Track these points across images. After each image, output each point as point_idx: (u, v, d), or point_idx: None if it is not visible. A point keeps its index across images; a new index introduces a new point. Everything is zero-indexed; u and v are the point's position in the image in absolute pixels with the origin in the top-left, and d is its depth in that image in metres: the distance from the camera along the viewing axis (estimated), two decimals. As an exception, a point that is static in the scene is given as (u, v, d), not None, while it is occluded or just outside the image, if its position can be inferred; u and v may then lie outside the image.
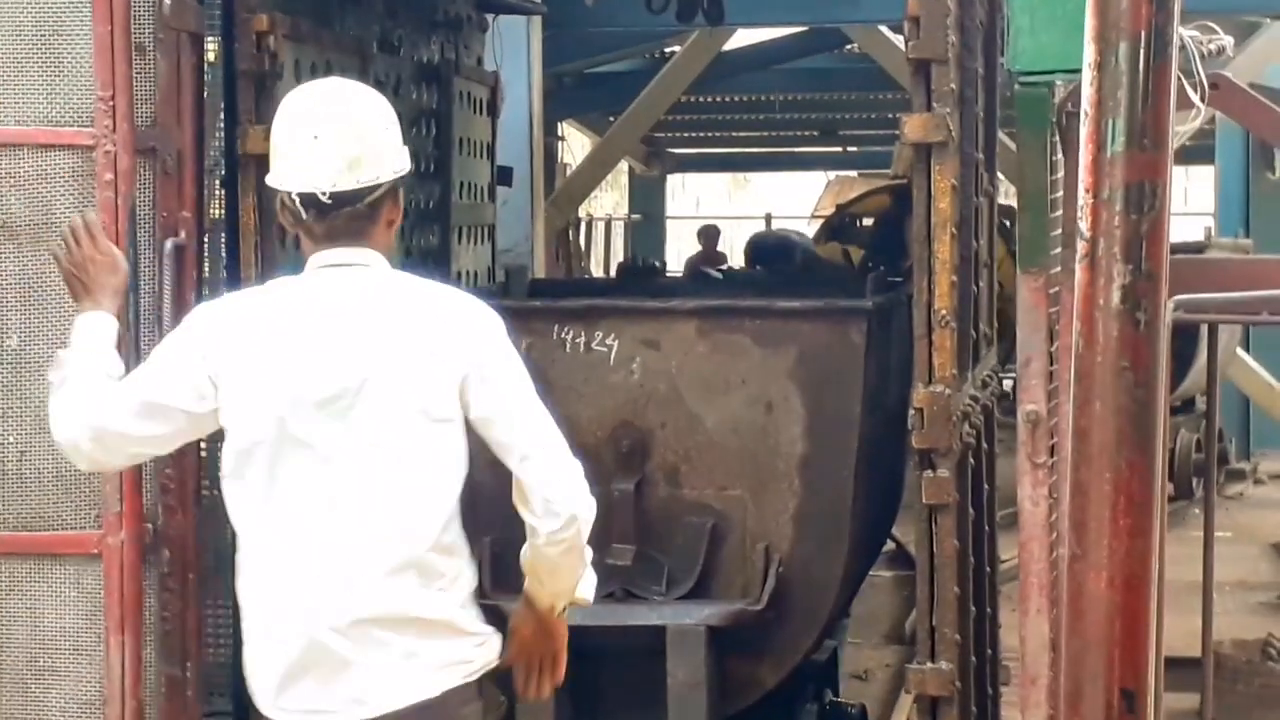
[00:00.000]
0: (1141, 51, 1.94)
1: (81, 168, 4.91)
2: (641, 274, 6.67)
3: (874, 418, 5.78)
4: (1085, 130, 1.93)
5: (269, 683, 4.04)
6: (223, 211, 5.77)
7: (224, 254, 5.55)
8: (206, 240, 5.34)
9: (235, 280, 5.25)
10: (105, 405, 4.12)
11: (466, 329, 4.06)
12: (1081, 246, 1.96)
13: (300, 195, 4.03)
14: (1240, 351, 14.87)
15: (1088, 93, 1.95)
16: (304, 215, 4.04)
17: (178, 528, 5.00)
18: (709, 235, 19.84)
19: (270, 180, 4.15)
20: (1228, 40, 4.81)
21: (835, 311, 5.67)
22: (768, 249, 15.50)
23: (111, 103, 4.86)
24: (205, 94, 5.26)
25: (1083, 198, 1.96)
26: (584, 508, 4.04)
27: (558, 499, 3.99)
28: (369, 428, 3.99)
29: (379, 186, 4.05)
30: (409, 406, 4.00)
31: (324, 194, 4.00)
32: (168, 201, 4.98)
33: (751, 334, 5.67)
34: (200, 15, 5.05)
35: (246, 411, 4.01)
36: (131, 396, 4.11)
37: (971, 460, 5.78)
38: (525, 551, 4.08)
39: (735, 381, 5.69)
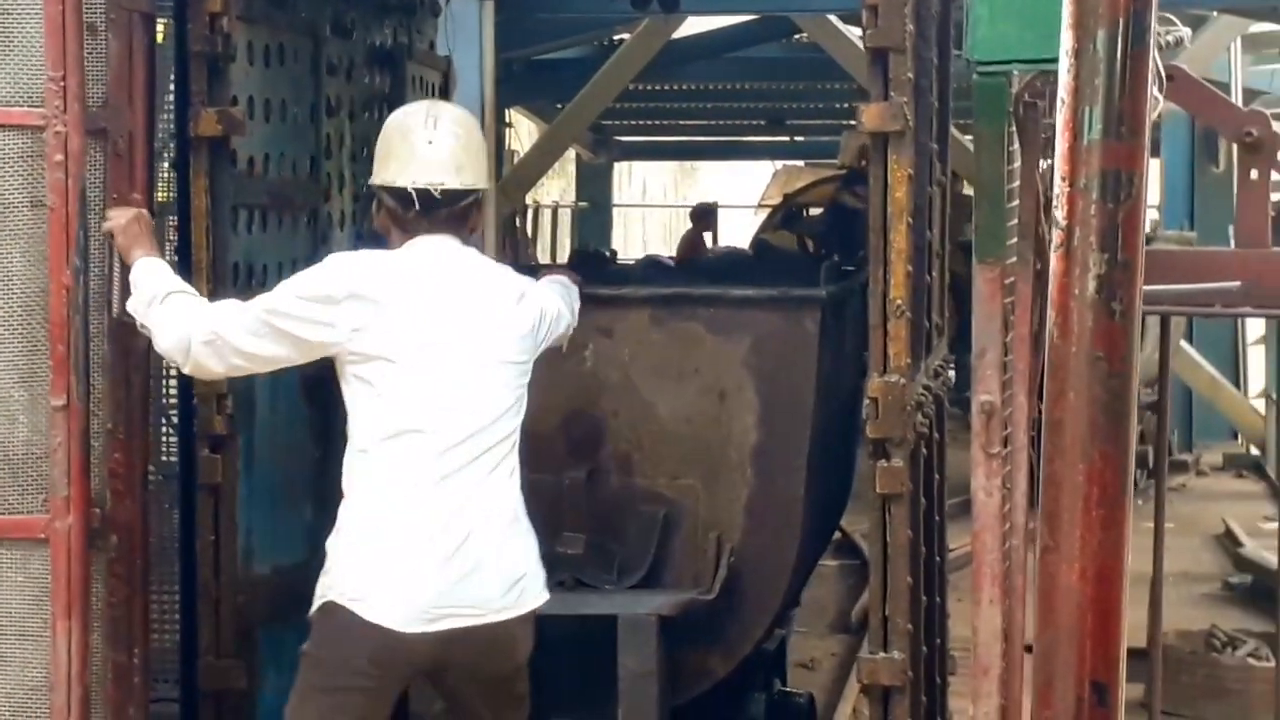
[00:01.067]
0: (1119, 39, 1.93)
1: (31, 148, 4.85)
2: (594, 261, 6.62)
3: (827, 407, 5.75)
4: (1062, 118, 1.92)
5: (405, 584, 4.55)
6: (170, 194, 5.71)
7: (174, 237, 5.48)
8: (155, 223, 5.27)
9: (186, 264, 5.20)
10: (223, 315, 4.69)
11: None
12: (1057, 235, 1.94)
13: (416, 190, 4.72)
14: (1184, 344, 14.95)
15: (1065, 80, 1.94)
16: (413, 209, 4.74)
17: (125, 513, 4.95)
18: (705, 214, 19.65)
19: (381, 179, 4.81)
20: (1185, 32, 4.82)
21: (789, 300, 5.63)
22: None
23: (62, 83, 4.80)
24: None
25: (1059, 186, 1.94)
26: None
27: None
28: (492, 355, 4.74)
29: (475, 192, 4.82)
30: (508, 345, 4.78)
31: (437, 190, 4.73)
32: (119, 183, 4.92)
33: (705, 322, 5.64)
34: (152, -5, 4.99)
35: (394, 341, 4.62)
36: (255, 314, 4.66)
37: (924, 450, 5.78)
38: None
39: (688, 370, 5.65)
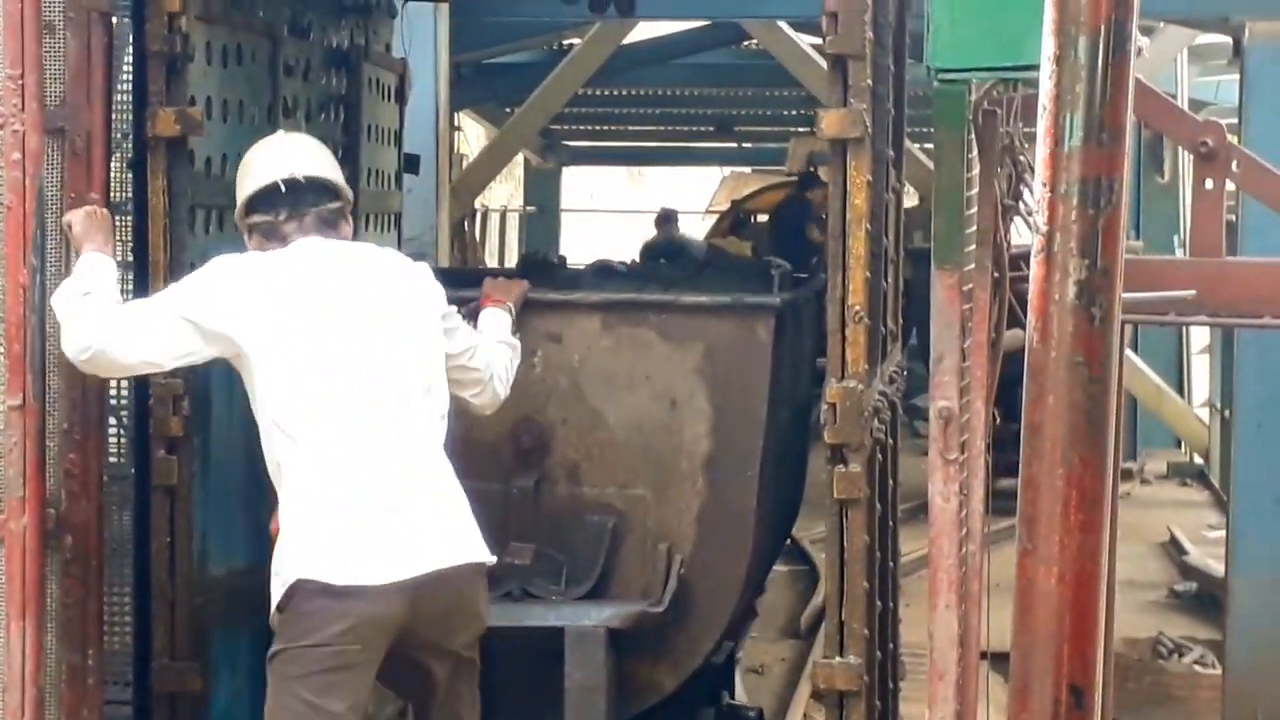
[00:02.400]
0: (1101, 46, 1.94)
1: (-12, 147, 4.83)
2: (543, 266, 6.56)
3: (780, 415, 5.70)
4: (1043, 124, 1.93)
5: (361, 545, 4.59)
6: (126, 194, 5.68)
7: (130, 236, 5.45)
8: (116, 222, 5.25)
9: (143, 263, 5.18)
10: (127, 314, 4.73)
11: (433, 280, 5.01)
12: (1038, 241, 1.95)
13: (284, 181, 4.82)
14: (1129, 352, 15.02)
15: (1046, 87, 1.95)
16: (284, 208, 4.83)
17: (81, 513, 4.93)
18: (666, 219, 19.58)
19: (246, 193, 4.89)
20: (1144, 41, 4.84)
21: (743, 307, 5.56)
22: (660, 252, 15.38)
23: (20, 81, 4.78)
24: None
25: (1040, 192, 1.95)
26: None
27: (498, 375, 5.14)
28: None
29: (339, 195, 4.92)
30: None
31: (301, 176, 4.82)
32: (76, 182, 4.91)
33: (657, 329, 5.56)
34: (111, -6, 4.97)
35: (283, 327, 4.68)
36: (158, 309, 4.74)
37: (879, 455, 5.79)
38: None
39: (639, 377, 5.57)
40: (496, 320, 5.28)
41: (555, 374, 5.62)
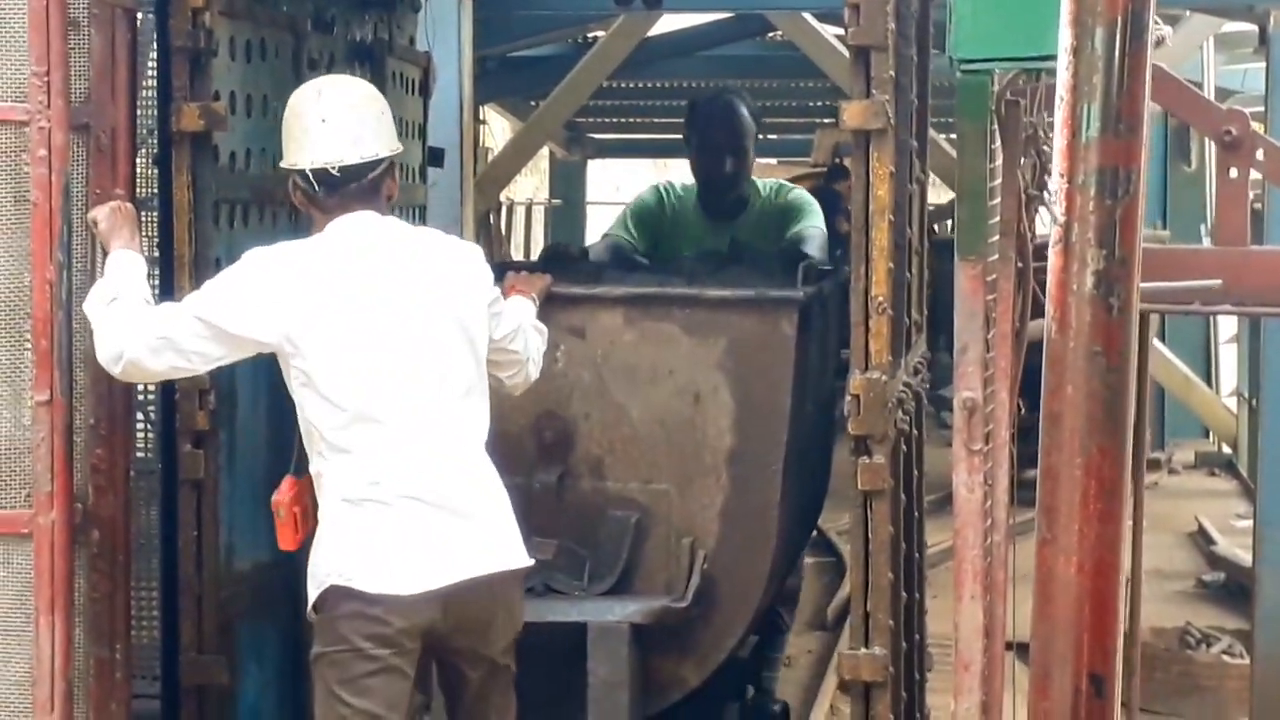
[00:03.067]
0: (1118, 37, 1.94)
1: (15, 143, 4.85)
2: (565, 258, 6.54)
3: (804, 408, 5.68)
4: (1061, 115, 1.93)
5: (396, 552, 4.61)
6: (152, 189, 5.70)
7: (156, 232, 5.48)
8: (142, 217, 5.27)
9: (168, 258, 5.20)
10: (159, 317, 4.70)
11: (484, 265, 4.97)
12: (1056, 232, 1.95)
13: (313, 172, 4.77)
14: (1156, 342, 14.99)
15: (1064, 78, 1.95)
16: (316, 191, 4.79)
17: (108, 508, 4.95)
18: None
19: (284, 163, 4.87)
20: (1167, 30, 4.81)
21: (766, 301, 5.54)
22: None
23: (46, 78, 4.80)
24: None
25: (1058, 182, 1.96)
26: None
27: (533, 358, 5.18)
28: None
29: (380, 162, 4.83)
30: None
31: (334, 168, 4.76)
32: (101, 178, 4.93)
33: (680, 323, 5.55)
34: (134, -10, 4.99)
35: (325, 326, 4.65)
36: (190, 314, 4.69)
37: (904, 446, 5.79)
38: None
39: (662, 372, 5.56)
40: (523, 307, 5.28)
41: (578, 368, 5.61)
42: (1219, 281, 4.91)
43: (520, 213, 22.79)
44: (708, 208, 7.14)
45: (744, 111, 7.23)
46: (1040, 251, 5.58)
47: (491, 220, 18.59)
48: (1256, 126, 5.53)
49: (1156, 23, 4.93)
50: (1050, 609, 1.98)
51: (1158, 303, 5.30)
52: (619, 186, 30.65)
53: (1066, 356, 1.98)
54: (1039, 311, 5.66)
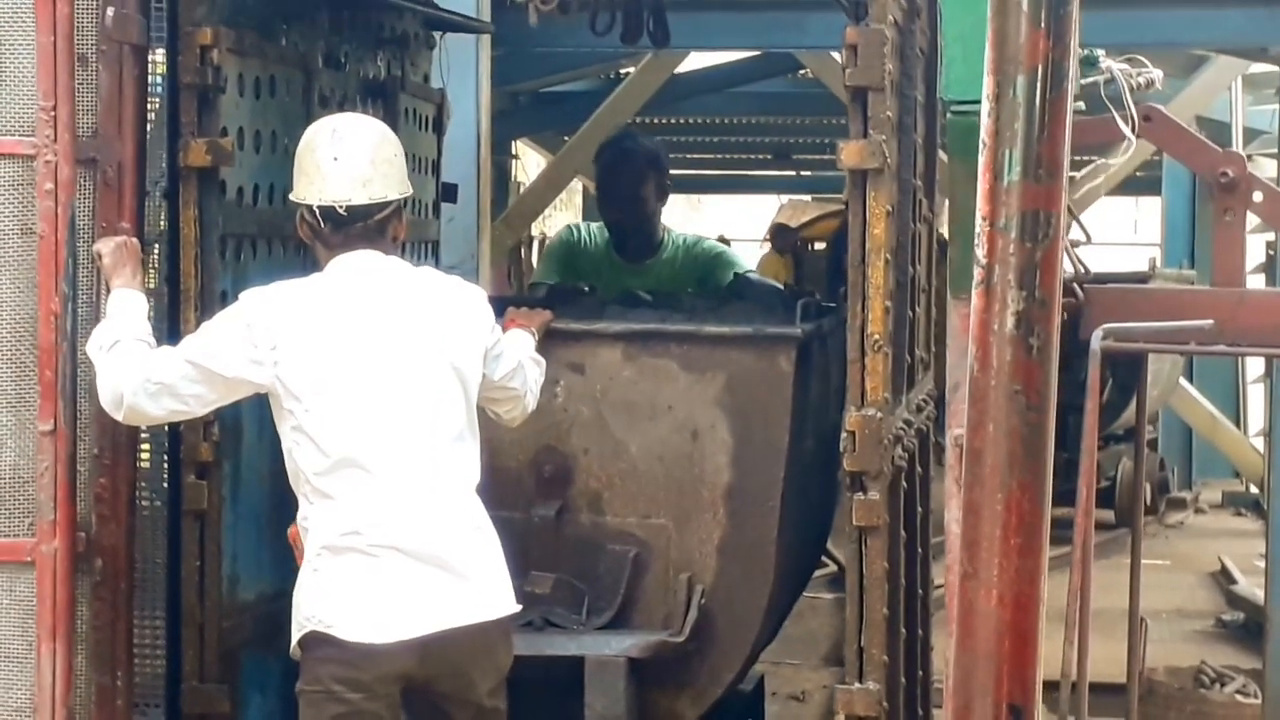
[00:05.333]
0: (1038, 84, 1.99)
1: (22, 177, 4.95)
2: (568, 295, 6.59)
3: (802, 445, 5.71)
4: (983, 160, 1.98)
5: (375, 601, 4.64)
6: (163, 224, 5.78)
7: (166, 265, 5.55)
8: (155, 251, 5.34)
9: (175, 292, 5.27)
10: (155, 362, 4.75)
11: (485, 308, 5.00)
12: (978, 273, 2.00)
13: (320, 209, 4.82)
14: (1183, 381, 15.00)
15: (985, 123, 2.01)
16: (322, 227, 4.84)
17: (110, 537, 5.02)
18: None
19: (294, 196, 4.92)
20: (1157, 74, 4.87)
21: (764, 338, 5.57)
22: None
23: (53, 113, 4.89)
24: (149, 106, 5.27)
25: (980, 225, 2.01)
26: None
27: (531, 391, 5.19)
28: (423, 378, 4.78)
29: (387, 205, 4.87)
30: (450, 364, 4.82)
31: (341, 208, 4.79)
32: (107, 212, 5.01)
33: (679, 359, 5.58)
34: (143, 28, 5.06)
35: (316, 370, 4.69)
36: (183, 358, 4.74)
37: (904, 484, 5.83)
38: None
39: (661, 407, 5.59)
40: (523, 340, 5.32)
41: (578, 403, 5.64)
42: (1211, 322, 4.94)
43: (552, 247, 22.85)
44: (618, 249, 7.26)
45: (641, 157, 7.25)
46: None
47: (523, 254, 18.68)
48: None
49: (1145, 65, 5.00)
50: (970, 641, 2.03)
51: (1154, 342, 5.34)
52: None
53: (988, 395, 2.03)
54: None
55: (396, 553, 4.68)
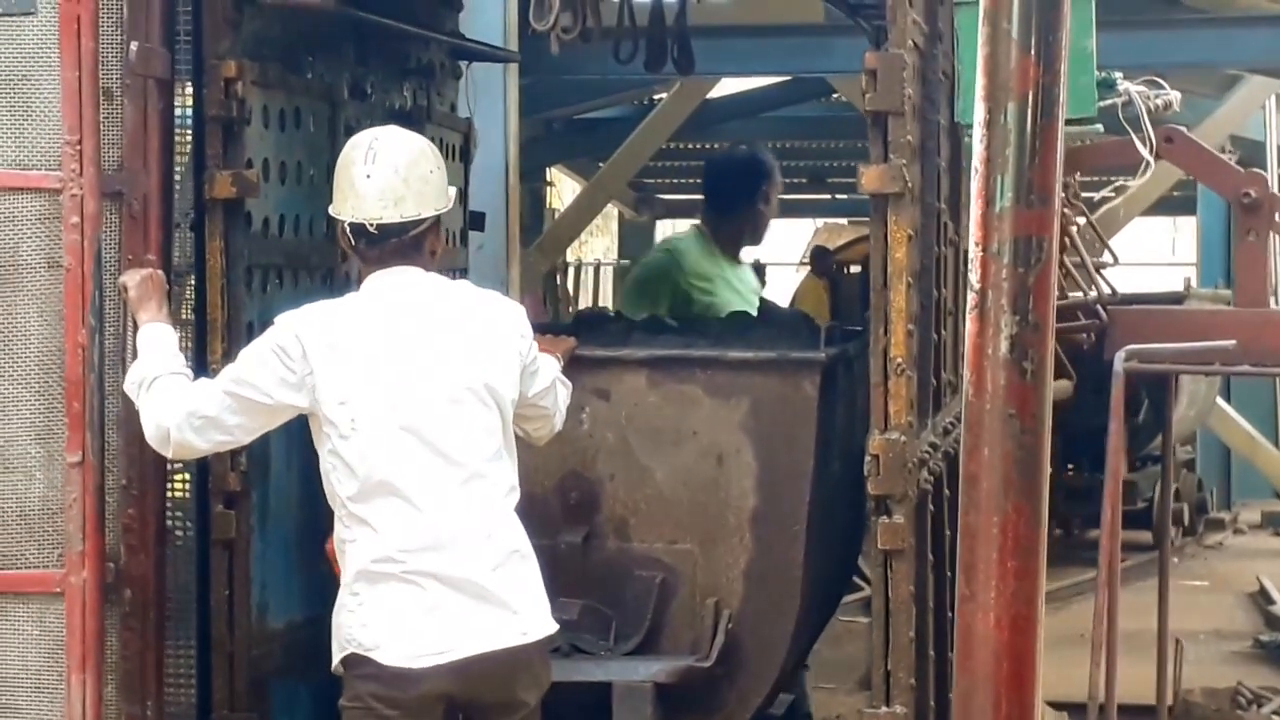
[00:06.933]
0: (1029, 111, 2.01)
1: (49, 210, 5.00)
2: (595, 321, 6.61)
3: (828, 469, 5.71)
4: (975, 185, 2.00)
5: (413, 626, 4.66)
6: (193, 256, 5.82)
7: (193, 296, 5.59)
8: (183, 283, 5.39)
9: (201, 324, 5.31)
10: (196, 396, 4.79)
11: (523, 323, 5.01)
12: (971, 298, 2.02)
13: (352, 225, 4.85)
14: (1220, 401, 14.94)
15: (978, 150, 2.02)
16: (354, 242, 4.88)
17: (139, 567, 5.06)
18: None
19: (330, 210, 4.95)
20: (1174, 95, 4.88)
21: (788, 363, 5.58)
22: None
23: (79, 147, 4.94)
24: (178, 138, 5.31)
25: (973, 250, 2.03)
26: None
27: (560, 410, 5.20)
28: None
29: (421, 222, 4.88)
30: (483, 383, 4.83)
31: (372, 225, 4.81)
32: (133, 245, 5.05)
33: (703, 384, 5.59)
34: (168, 62, 5.11)
35: (351, 393, 4.71)
36: (222, 389, 4.77)
37: (931, 506, 5.83)
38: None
39: (686, 433, 5.60)
40: (551, 364, 5.32)
41: (603, 429, 5.65)
42: (1234, 342, 4.94)
43: (589, 272, 22.94)
44: (726, 249, 7.59)
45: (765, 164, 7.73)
46: (1059, 312, 5.65)
47: (559, 280, 18.73)
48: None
49: (1162, 87, 5.01)
50: (970, 663, 2.04)
51: (1179, 363, 5.34)
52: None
53: (983, 419, 2.04)
54: (1061, 372, 5.71)
55: (433, 579, 4.70)
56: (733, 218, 7.53)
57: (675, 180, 22.42)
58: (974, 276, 2.03)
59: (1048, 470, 2.06)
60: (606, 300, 23.01)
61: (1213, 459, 16.14)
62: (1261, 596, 12.31)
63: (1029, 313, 2.01)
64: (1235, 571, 13.38)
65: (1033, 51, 1.98)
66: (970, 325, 2.05)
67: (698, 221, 7.78)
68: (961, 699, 2.04)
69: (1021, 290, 2.01)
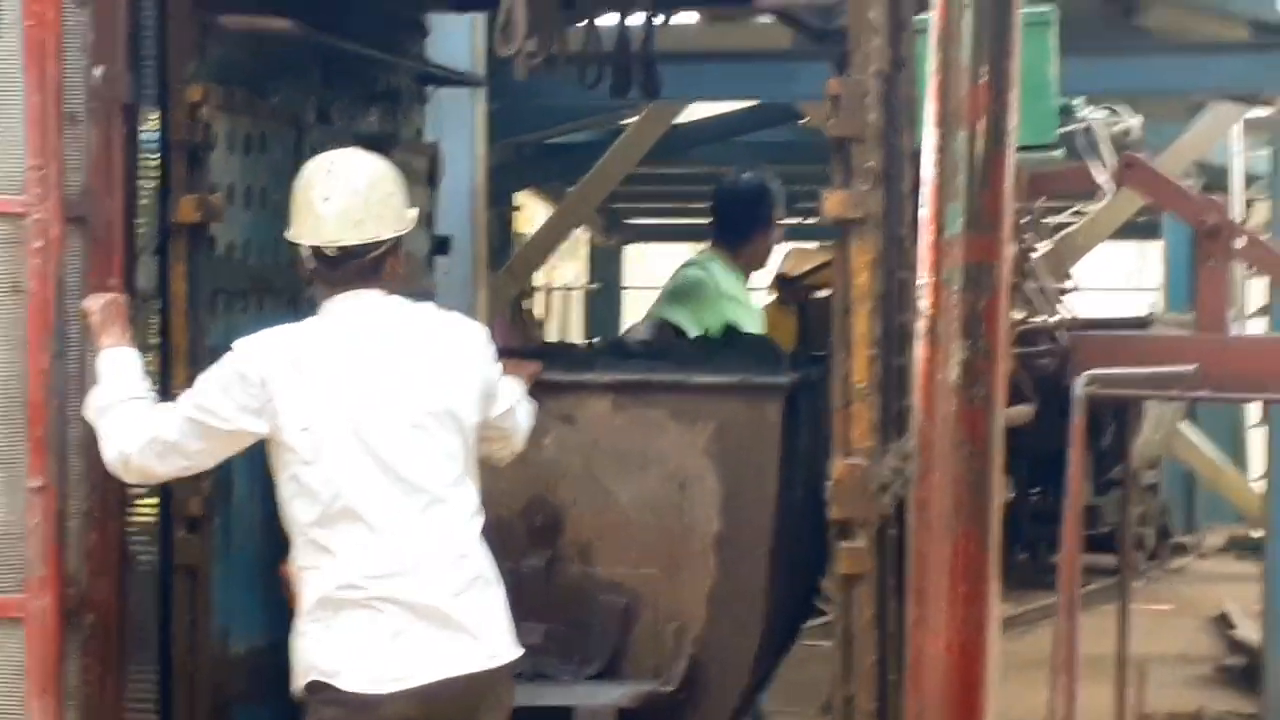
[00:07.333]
0: (980, 139, 2.02)
1: (12, 235, 4.99)
2: (558, 347, 6.64)
3: (792, 493, 5.72)
4: (926, 212, 2.01)
5: (376, 652, 4.65)
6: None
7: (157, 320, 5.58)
8: (148, 308, 5.37)
9: (165, 348, 5.30)
10: (157, 422, 4.78)
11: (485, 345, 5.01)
12: (922, 324, 2.03)
13: (312, 249, 4.83)
14: (1184, 425, 14.99)
15: (928, 176, 2.04)
16: (314, 265, 4.86)
17: (101, 592, 5.04)
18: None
19: (288, 234, 4.92)
20: (1134, 122, 4.91)
21: (751, 387, 5.61)
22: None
23: (42, 171, 4.93)
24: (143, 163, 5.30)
25: (924, 277, 2.04)
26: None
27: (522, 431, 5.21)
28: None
29: (381, 244, 4.85)
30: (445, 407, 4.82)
31: (330, 249, 4.80)
32: (97, 269, 5.04)
33: (668, 409, 5.61)
34: (132, 86, 5.11)
35: (311, 419, 4.70)
36: (183, 415, 4.77)
37: (893, 530, 5.83)
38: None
39: (650, 457, 5.61)
40: (511, 385, 5.32)
41: (568, 454, 5.66)
42: (1194, 367, 4.97)
43: (558, 297, 22.93)
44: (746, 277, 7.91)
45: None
46: (1020, 337, 5.67)
47: (524, 305, 18.70)
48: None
49: (1117, 114, 5.03)
50: (920, 685, 2.05)
51: (1140, 388, 5.36)
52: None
53: (933, 444, 2.06)
54: (1019, 397, 5.73)
55: (396, 606, 4.70)
56: (747, 242, 7.79)
57: (644, 205, 22.43)
58: (924, 302, 2.05)
59: (999, 496, 2.08)
60: (576, 325, 23.02)
61: (1177, 483, 16.20)
62: (1224, 621, 12.36)
63: (979, 339, 2.02)
64: (1199, 596, 13.44)
65: (983, 79, 2.00)
66: (921, 351, 2.06)
67: (707, 246, 8.04)
68: (912, 722, 2.05)
69: (972, 316, 2.02)
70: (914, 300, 6.27)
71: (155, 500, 5.36)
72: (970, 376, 2.02)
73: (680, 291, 7.72)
